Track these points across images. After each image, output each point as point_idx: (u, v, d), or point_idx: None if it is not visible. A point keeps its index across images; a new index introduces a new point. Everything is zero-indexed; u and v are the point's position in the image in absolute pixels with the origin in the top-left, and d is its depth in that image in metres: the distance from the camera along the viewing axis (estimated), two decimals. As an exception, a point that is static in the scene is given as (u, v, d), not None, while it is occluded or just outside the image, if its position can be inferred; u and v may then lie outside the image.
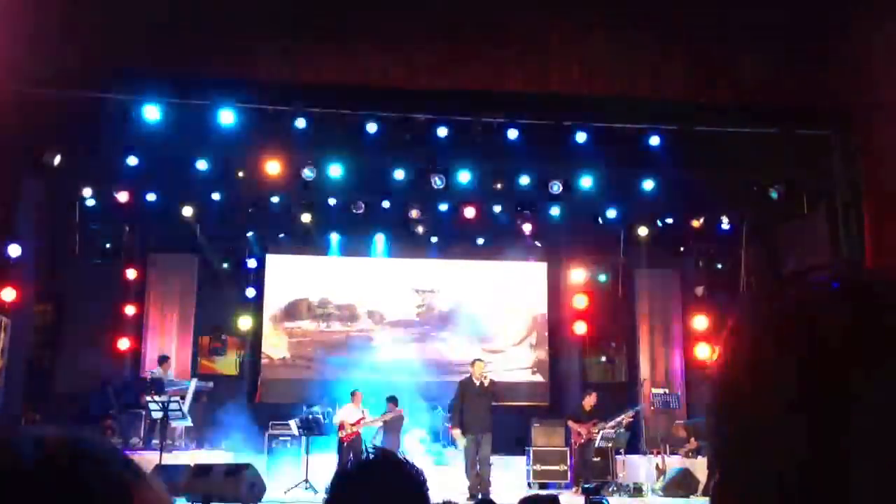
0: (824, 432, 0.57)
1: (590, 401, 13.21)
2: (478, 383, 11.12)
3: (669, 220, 14.86)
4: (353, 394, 12.71)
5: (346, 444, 12.02)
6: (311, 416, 12.37)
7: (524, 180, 12.93)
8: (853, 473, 0.56)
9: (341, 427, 12.22)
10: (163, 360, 14.39)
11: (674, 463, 12.87)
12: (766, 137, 11.30)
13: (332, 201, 13.98)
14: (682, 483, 12.10)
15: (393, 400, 12.83)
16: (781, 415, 0.59)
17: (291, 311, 16.42)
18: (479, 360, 11.86)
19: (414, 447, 13.08)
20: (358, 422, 12.23)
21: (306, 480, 11.32)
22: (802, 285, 0.64)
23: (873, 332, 0.58)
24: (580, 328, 15.89)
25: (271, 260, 16.31)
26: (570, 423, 13.08)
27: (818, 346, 0.59)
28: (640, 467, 13.43)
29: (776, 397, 0.59)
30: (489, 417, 11.02)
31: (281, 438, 13.54)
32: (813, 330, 0.60)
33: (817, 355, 0.59)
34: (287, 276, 16.46)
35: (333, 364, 15.86)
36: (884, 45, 10.05)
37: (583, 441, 12.79)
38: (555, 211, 14.47)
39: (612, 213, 14.49)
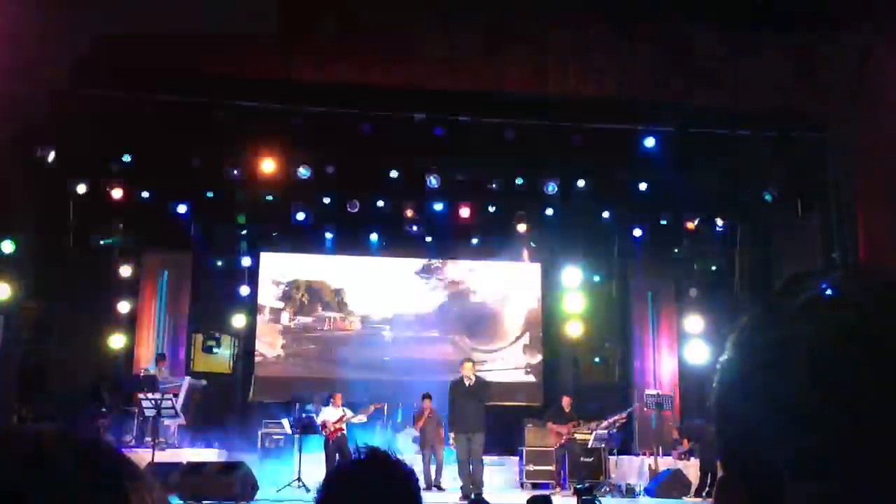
0: (833, 437, 0.57)
1: (567, 401, 13.18)
2: (467, 383, 11.10)
3: (664, 222, 14.88)
4: (332, 396, 12.68)
5: (331, 441, 12.05)
6: (303, 415, 12.35)
7: (519, 180, 12.93)
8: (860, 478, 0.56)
9: (324, 427, 12.25)
10: (159, 358, 14.30)
11: (666, 464, 12.88)
12: (761, 140, 11.33)
13: (326, 200, 13.97)
14: (673, 484, 12.12)
15: (427, 396, 12.78)
16: (786, 425, 0.59)
17: (285, 310, 16.40)
18: (468, 359, 11.83)
19: (406, 446, 13.07)
20: (340, 419, 12.25)
21: (299, 479, 11.31)
22: (801, 294, 0.64)
23: (873, 338, 0.58)
24: (574, 329, 15.90)
25: (265, 258, 16.29)
26: (549, 423, 13.01)
27: (822, 354, 0.59)
28: (632, 468, 13.45)
29: (781, 406, 0.59)
30: (480, 417, 10.99)
31: (274, 437, 13.53)
32: (814, 339, 0.60)
33: (820, 364, 0.59)
34: (281, 274, 16.44)
35: (326, 362, 15.84)
36: (880, 50, 10.08)
37: (563, 441, 12.75)
38: (550, 211, 14.47)
39: (606, 214, 14.51)
